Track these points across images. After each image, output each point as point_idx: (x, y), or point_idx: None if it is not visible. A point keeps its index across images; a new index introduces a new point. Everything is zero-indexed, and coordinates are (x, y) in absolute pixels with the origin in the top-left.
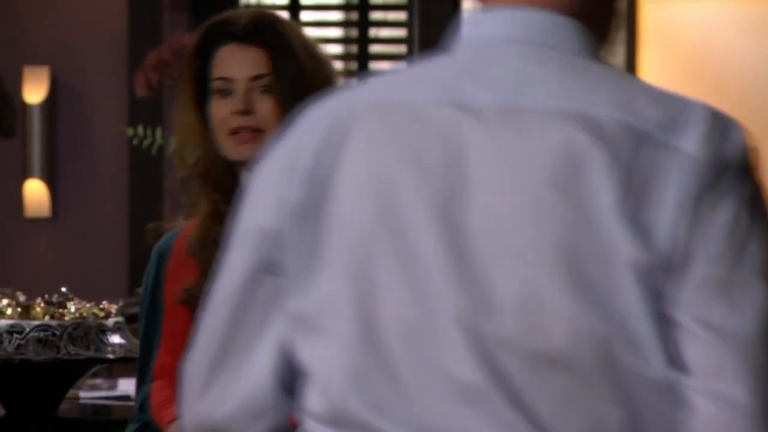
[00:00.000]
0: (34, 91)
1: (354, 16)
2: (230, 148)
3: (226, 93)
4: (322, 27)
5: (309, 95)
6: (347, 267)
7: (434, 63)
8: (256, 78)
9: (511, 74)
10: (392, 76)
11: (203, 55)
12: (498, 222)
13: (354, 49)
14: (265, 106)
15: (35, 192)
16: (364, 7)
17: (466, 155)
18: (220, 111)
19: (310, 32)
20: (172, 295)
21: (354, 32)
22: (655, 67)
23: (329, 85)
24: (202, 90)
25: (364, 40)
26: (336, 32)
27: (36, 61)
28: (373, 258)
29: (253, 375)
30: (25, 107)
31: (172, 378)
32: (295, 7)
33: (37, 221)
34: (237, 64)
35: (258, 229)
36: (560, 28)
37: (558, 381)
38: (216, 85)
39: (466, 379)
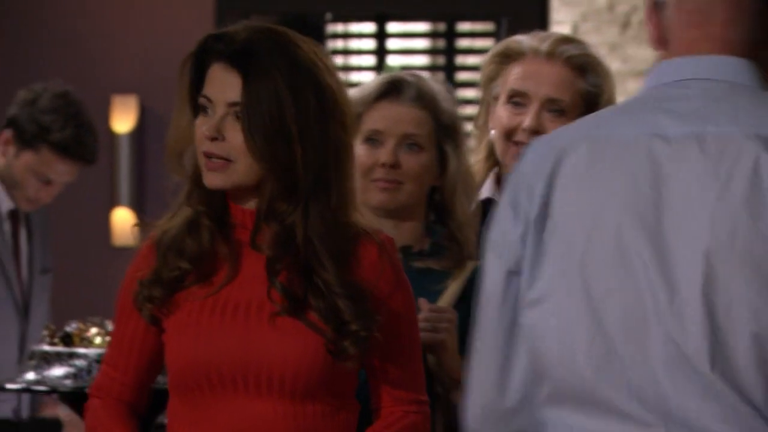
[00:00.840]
0: (123, 120)
1: (441, 44)
2: (203, 172)
3: (206, 112)
4: (409, 54)
5: (286, 130)
6: (569, 261)
7: (637, 101)
8: (233, 104)
9: (694, 107)
10: (603, 115)
11: (201, 65)
12: (690, 227)
13: (440, 77)
14: (235, 135)
15: (123, 220)
16: (451, 35)
17: (663, 174)
18: (198, 130)
19: (397, 60)
20: (128, 296)
21: (441, 60)
22: None
23: (326, 120)
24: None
25: (450, 68)
26: (422, 60)
27: (124, 89)
28: (593, 253)
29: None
30: (113, 136)
31: (113, 396)
32: (381, 35)
33: (124, 250)
34: (218, 85)
35: (505, 235)
36: (735, 67)
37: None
38: (201, 101)
39: (666, 352)
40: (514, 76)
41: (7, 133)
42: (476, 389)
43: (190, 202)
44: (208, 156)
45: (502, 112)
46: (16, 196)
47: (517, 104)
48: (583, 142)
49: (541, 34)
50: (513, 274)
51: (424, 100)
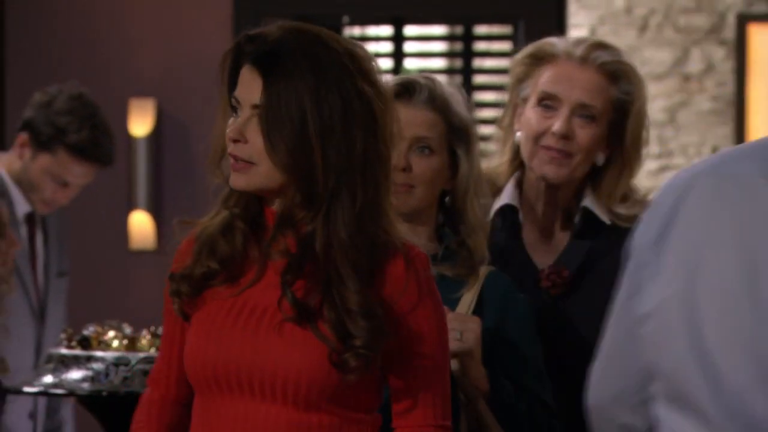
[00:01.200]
0: (140, 124)
1: (458, 47)
2: (230, 173)
3: (236, 113)
4: (426, 58)
5: (307, 134)
6: (678, 280)
7: (760, 143)
8: (255, 107)
9: None
10: (732, 151)
11: (238, 65)
12: None
13: (458, 79)
14: (257, 138)
15: (140, 224)
16: (468, 38)
17: (765, 210)
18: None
19: (414, 63)
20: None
21: (458, 63)
22: (765, 97)
23: (351, 126)
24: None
25: (468, 71)
26: (440, 63)
27: (142, 93)
28: (699, 278)
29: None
30: (130, 139)
31: (160, 388)
32: (398, 38)
33: (142, 253)
34: (245, 87)
35: (635, 247)
36: None
37: None
38: (232, 102)
39: (758, 372)
40: (545, 78)
41: (24, 136)
42: (596, 374)
43: (227, 204)
44: (234, 158)
45: (532, 115)
46: (33, 199)
47: (547, 107)
48: (708, 177)
49: (575, 38)
50: (638, 279)
51: (436, 102)
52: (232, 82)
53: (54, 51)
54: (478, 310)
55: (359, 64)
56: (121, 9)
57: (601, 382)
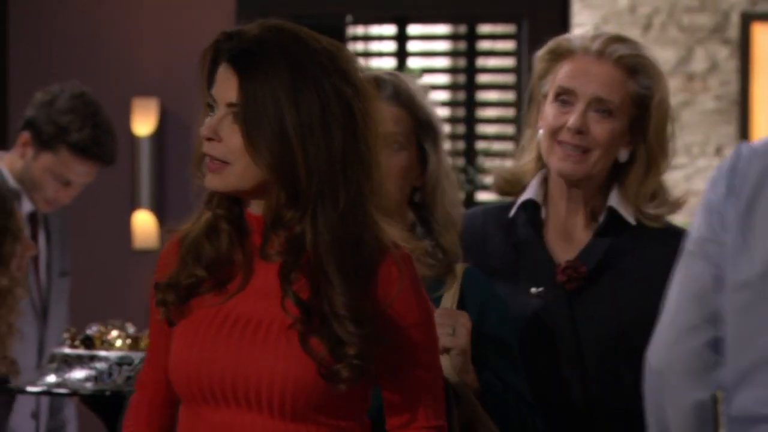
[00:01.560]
0: (144, 123)
1: (461, 46)
2: (205, 174)
3: (213, 112)
4: (429, 57)
5: (285, 133)
6: None
7: None
8: (231, 105)
9: None
10: None
11: (217, 64)
12: None
13: (461, 78)
14: (232, 136)
15: (144, 223)
16: (472, 37)
17: None
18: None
19: (417, 62)
20: (153, 297)
21: (462, 62)
22: None
23: (329, 125)
24: None
25: (471, 70)
26: (443, 62)
27: (145, 92)
28: None
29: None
30: (134, 139)
31: (149, 392)
32: (402, 37)
33: (145, 252)
34: (220, 85)
35: (709, 206)
36: None
37: None
38: (209, 101)
39: None
40: (562, 73)
41: (26, 135)
42: (664, 343)
43: (210, 206)
44: (209, 157)
45: (549, 110)
46: (35, 198)
47: (564, 102)
48: None
49: (594, 32)
50: (715, 236)
51: (401, 97)
52: (212, 81)
53: (57, 50)
54: (459, 308)
55: (339, 64)
56: (124, 8)
57: (672, 351)
